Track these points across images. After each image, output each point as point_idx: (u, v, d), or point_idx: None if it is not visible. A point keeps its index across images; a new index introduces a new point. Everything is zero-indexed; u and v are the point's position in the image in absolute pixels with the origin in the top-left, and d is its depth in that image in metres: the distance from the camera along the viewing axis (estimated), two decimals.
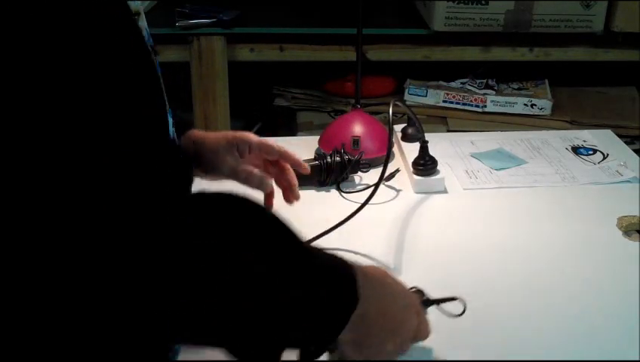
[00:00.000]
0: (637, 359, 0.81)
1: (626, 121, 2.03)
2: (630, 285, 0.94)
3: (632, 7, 1.96)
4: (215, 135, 0.96)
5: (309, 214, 1.11)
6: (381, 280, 0.72)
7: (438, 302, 0.82)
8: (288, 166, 1.00)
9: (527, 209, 1.14)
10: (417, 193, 1.18)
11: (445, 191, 1.18)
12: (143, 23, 0.69)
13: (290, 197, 1.00)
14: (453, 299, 0.81)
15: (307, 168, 1.02)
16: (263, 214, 0.64)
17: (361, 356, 0.69)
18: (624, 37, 2.01)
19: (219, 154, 0.93)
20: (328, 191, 1.18)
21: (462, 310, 0.80)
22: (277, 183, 1.00)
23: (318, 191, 1.18)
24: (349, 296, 0.66)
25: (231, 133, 0.95)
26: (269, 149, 0.97)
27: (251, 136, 0.96)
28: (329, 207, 1.13)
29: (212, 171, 0.94)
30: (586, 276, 0.97)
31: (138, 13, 0.68)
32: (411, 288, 0.82)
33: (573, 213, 1.13)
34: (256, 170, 0.94)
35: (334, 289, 0.65)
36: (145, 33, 0.69)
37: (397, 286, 0.75)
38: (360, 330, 0.67)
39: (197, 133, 0.96)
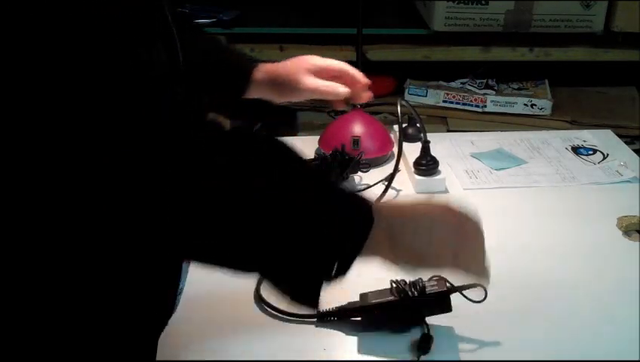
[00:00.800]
0: (637, 359, 0.81)
1: (626, 121, 2.04)
2: (630, 285, 0.94)
3: (632, 7, 1.97)
4: (285, 64, 1.10)
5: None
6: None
7: (460, 289, 0.83)
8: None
9: (527, 209, 1.14)
10: (418, 193, 1.18)
11: (446, 191, 1.18)
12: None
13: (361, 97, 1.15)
14: (474, 285, 0.82)
15: (366, 80, 1.14)
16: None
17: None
18: (624, 37, 2.02)
19: (297, 75, 1.07)
20: None
21: (483, 296, 0.81)
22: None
23: None
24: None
25: (310, 58, 1.10)
26: (335, 70, 1.11)
27: (318, 60, 1.10)
28: None
29: (288, 92, 1.09)
30: (586, 276, 0.97)
31: None
32: (433, 276, 0.84)
33: (573, 213, 1.13)
34: (329, 83, 1.08)
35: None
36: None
37: None
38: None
39: (268, 65, 1.10)
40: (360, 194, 0.72)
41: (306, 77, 1.07)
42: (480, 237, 0.78)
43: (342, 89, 1.07)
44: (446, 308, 0.84)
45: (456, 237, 0.76)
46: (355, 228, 0.69)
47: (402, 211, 0.75)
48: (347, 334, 0.86)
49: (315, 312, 0.83)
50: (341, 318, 0.86)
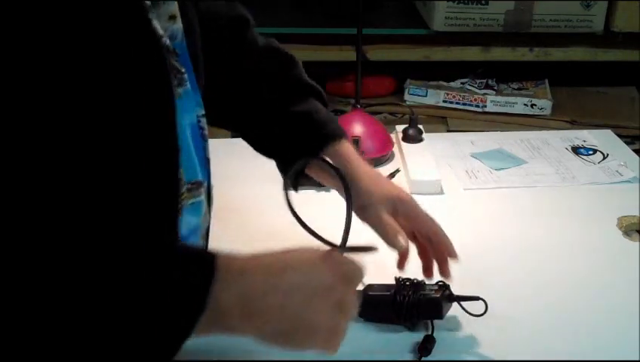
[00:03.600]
0: (637, 359, 0.81)
1: (626, 121, 2.03)
2: (630, 285, 0.94)
3: (632, 7, 1.96)
4: (376, 179, 0.88)
5: (309, 214, 1.11)
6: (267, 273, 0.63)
7: (459, 299, 0.83)
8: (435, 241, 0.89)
9: (527, 209, 1.14)
10: (413, 194, 1.17)
11: (442, 193, 1.18)
12: (178, 25, 0.69)
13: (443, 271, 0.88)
14: (476, 298, 0.82)
15: (456, 256, 0.88)
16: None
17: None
18: (624, 37, 2.01)
19: (372, 198, 0.85)
20: (328, 191, 1.18)
21: (483, 310, 0.81)
22: (420, 255, 0.90)
23: (318, 191, 1.17)
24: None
25: (395, 192, 0.87)
26: (422, 227, 0.87)
27: (413, 204, 0.87)
28: (329, 208, 1.13)
29: (357, 205, 0.84)
30: (586, 276, 0.97)
31: (175, 16, 0.69)
32: (437, 282, 0.85)
33: (573, 213, 1.13)
34: (398, 227, 0.84)
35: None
36: (179, 35, 0.69)
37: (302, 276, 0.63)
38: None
39: (353, 157, 0.89)
40: (201, 254, 0.63)
41: (381, 205, 0.85)
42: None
43: (402, 242, 0.83)
44: (436, 314, 0.84)
45: (331, 303, 0.63)
46: (180, 308, 0.57)
47: (259, 266, 0.62)
48: (346, 334, 0.86)
49: None
50: None
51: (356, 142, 1.23)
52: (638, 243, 1.04)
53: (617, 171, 1.25)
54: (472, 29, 2.00)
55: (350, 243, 0.72)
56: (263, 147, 0.93)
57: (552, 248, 1.03)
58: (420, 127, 1.33)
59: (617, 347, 0.84)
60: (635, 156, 1.31)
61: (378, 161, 1.26)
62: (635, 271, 0.96)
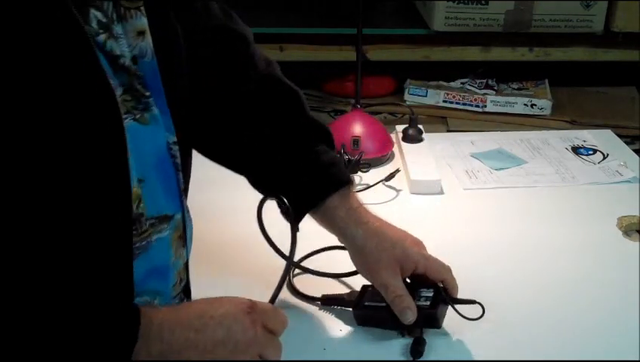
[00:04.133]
0: (637, 359, 0.81)
1: (626, 121, 2.03)
2: (630, 285, 0.94)
3: (632, 7, 1.96)
4: (382, 235, 0.84)
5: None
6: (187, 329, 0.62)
7: (455, 302, 0.83)
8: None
9: (527, 209, 1.14)
10: (413, 193, 1.18)
11: (442, 193, 1.18)
12: (147, 41, 0.66)
13: None
14: (472, 302, 0.81)
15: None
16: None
17: None
18: (624, 37, 2.01)
19: (379, 264, 0.82)
20: None
21: (480, 314, 0.81)
22: None
23: None
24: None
25: (400, 250, 0.83)
26: (435, 273, 0.84)
27: (420, 262, 0.83)
28: None
29: (352, 255, 0.85)
30: (586, 276, 0.97)
31: (143, 32, 0.65)
32: (433, 284, 0.83)
33: (573, 213, 1.13)
34: (407, 297, 0.81)
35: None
36: (148, 52, 0.66)
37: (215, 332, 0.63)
38: None
39: (358, 208, 0.84)
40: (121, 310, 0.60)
41: (388, 269, 0.81)
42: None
43: (410, 317, 0.80)
44: (433, 325, 0.83)
45: (254, 356, 0.64)
46: None
47: (180, 321, 0.62)
48: (347, 334, 0.86)
49: None
50: (339, 305, 0.88)
51: (356, 142, 1.23)
52: (638, 243, 1.04)
53: (617, 171, 1.25)
54: (472, 29, 2.00)
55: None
56: (259, 185, 0.86)
57: (552, 248, 1.03)
58: (420, 127, 1.33)
59: (617, 347, 0.83)
60: (635, 156, 1.31)
61: (378, 161, 1.26)
62: (635, 271, 0.96)
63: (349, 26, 1.88)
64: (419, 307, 0.81)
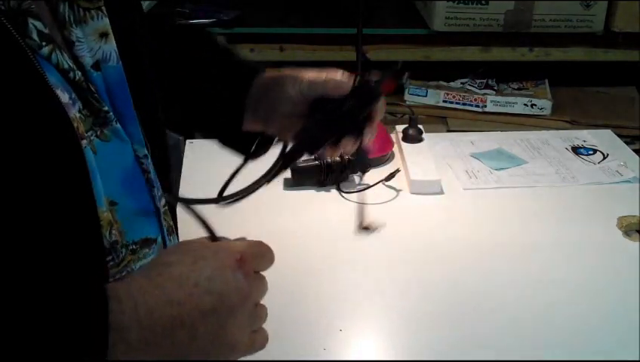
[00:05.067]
0: (637, 359, 0.81)
1: (626, 121, 2.03)
2: (630, 285, 0.94)
3: (632, 7, 1.96)
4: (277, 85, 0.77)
5: (309, 214, 1.11)
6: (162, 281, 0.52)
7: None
8: None
9: (527, 209, 1.14)
10: (413, 193, 1.18)
11: (442, 193, 1.18)
12: (110, 43, 0.61)
13: None
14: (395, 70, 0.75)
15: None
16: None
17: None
18: (624, 37, 2.01)
19: (285, 81, 0.76)
20: (328, 191, 1.18)
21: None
22: None
23: (317, 191, 1.18)
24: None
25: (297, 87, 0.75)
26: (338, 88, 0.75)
27: (319, 85, 0.75)
28: (329, 207, 1.13)
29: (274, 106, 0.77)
30: (586, 276, 0.97)
31: (106, 34, 0.60)
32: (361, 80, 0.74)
33: (573, 213, 1.13)
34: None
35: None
36: (113, 55, 0.60)
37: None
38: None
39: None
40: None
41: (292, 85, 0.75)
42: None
43: (341, 74, 0.74)
44: (371, 98, 0.73)
45: (246, 317, 0.55)
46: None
47: (157, 297, 0.51)
48: (347, 334, 0.86)
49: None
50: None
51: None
52: (638, 243, 1.04)
53: (617, 171, 1.25)
54: (472, 29, 2.00)
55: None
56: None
57: (552, 248, 1.03)
58: (420, 127, 1.33)
59: (617, 347, 0.84)
60: (635, 156, 1.31)
61: (378, 161, 1.26)
62: (635, 271, 0.97)
63: (349, 26, 1.88)
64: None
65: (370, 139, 0.75)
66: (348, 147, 0.74)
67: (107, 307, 0.48)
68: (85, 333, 0.48)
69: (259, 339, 0.57)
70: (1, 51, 0.50)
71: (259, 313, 0.56)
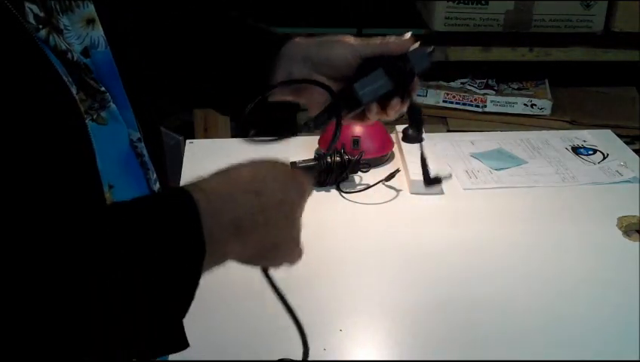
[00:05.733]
0: (637, 359, 0.81)
1: (626, 121, 2.03)
2: (630, 285, 0.94)
3: (632, 7, 1.96)
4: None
5: (309, 214, 1.11)
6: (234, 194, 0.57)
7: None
8: None
9: (527, 209, 1.14)
10: (413, 193, 1.18)
11: (442, 193, 1.18)
12: (98, 30, 0.61)
13: None
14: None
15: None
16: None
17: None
18: (624, 37, 2.01)
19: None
20: (328, 191, 1.18)
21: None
22: None
23: (317, 191, 1.18)
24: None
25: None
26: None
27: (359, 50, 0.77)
28: (329, 207, 1.13)
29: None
30: (586, 276, 0.97)
31: (93, 20, 0.61)
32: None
33: (573, 213, 1.13)
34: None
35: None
36: (101, 41, 0.61)
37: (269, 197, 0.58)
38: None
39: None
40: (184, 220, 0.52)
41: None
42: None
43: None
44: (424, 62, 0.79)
45: (299, 217, 0.61)
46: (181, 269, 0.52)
47: (238, 188, 0.57)
48: (347, 334, 0.86)
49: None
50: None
51: (356, 142, 1.23)
52: (638, 243, 1.04)
53: (617, 171, 1.25)
54: (472, 29, 2.00)
55: None
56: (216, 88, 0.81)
57: (552, 248, 1.03)
58: None
59: (617, 347, 0.84)
60: (635, 156, 1.31)
61: (378, 161, 1.26)
62: (635, 271, 0.96)
63: (349, 26, 1.88)
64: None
65: (415, 96, 0.79)
66: (396, 107, 0.77)
67: (192, 198, 0.52)
68: (181, 226, 0.51)
69: (299, 247, 0.62)
70: (6, 32, 0.51)
71: (300, 220, 0.61)
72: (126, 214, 0.52)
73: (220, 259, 0.55)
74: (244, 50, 0.79)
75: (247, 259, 0.59)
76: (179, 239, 0.51)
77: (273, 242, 0.59)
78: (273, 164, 0.60)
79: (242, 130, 0.80)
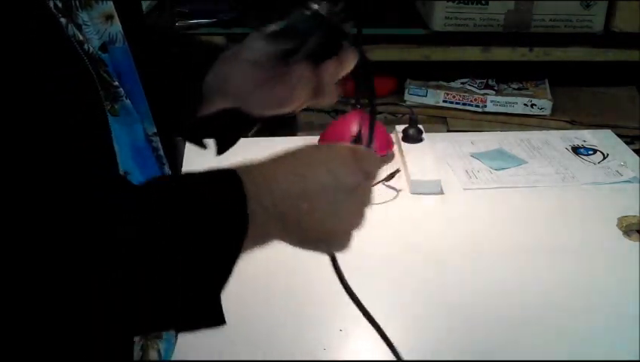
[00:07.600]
0: (637, 359, 0.81)
1: (626, 121, 2.03)
2: (630, 285, 0.94)
3: (632, 7, 1.96)
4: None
5: None
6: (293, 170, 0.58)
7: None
8: None
9: (527, 209, 1.14)
10: (413, 193, 1.18)
11: (442, 193, 1.18)
12: (116, 25, 0.61)
13: None
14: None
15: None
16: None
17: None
18: (624, 37, 2.01)
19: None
20: None
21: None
22: None
23: None
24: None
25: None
26: None
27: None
28: None
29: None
30: (586, 276, 0.97)
31: (112, 16, 0.61)
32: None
33: (573, 213, 1.13)
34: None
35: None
36: (119, 36, 0.61)
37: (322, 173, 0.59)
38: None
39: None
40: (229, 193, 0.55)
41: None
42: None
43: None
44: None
45: (356, 204, 0.61)
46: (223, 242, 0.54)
47: (284, 171, 0.58)
48: (347, 334, 0.86)
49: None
50: None
51: (356, 142, 1.23)
52: (638, 243, 1.04)
53: (617, 171, 1.25)
54: (472, 29, 2.00)
55: None
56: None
57: (552, 248, 1.03)
58: (420, 127, 1.33)
59: (617, 347, 0.83)
60: (635, 156, 1.31)
61: None
62: (635, 271, 0.96)
63: None
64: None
65: (352, 62, 0.75)
66: (330, 69, 0.74)
67: (240, 178, 0.54)
68: (226, 207, 0.54)
69: (352, 236, 0.62)
70: (37, 20, 0.52)
71: (364, 205, 0.60)
72: (174, 187, 0.56)
73: (261, 240, 0.57)
74: (181, 69, 0.76)
75: (293, 243, 0.60)
76: (223, 217, 0.53)
77: (317, 229, 0.59)
78: (328, 148, 0.61)
79: (195, 142, 0.79)
